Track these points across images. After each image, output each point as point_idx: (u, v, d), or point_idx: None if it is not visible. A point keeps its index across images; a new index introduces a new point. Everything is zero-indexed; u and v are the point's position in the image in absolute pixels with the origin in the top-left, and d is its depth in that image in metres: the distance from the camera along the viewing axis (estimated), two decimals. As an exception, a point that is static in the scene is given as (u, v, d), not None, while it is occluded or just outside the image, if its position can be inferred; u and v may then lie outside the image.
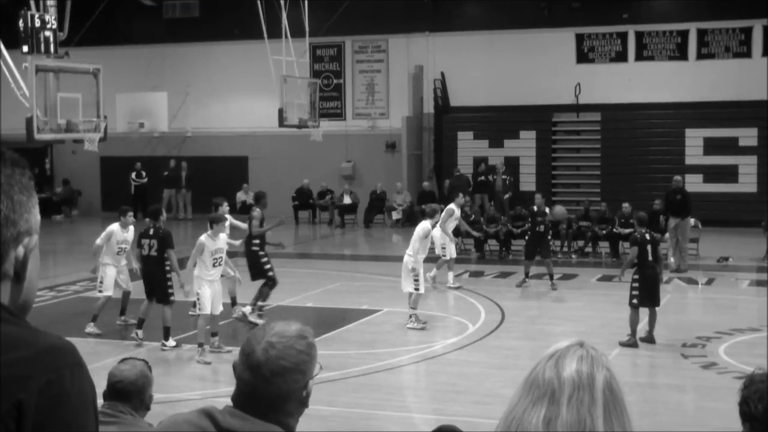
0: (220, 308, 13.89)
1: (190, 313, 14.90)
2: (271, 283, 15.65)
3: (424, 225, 15.73)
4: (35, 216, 1.90)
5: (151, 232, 14.26)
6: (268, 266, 15.65)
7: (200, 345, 13.42)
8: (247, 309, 15.42)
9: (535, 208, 19.45)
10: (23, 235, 1.85)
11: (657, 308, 14.25)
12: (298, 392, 2.67)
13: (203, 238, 13.64)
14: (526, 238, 19.95)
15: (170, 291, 14.15)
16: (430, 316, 16.15)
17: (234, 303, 15.92)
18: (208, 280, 13.57)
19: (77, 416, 1.76)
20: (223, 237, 13.88)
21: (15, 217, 1.83)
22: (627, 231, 21.50)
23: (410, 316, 15.31)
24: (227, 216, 14.65)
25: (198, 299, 13.63)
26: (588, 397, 1.84)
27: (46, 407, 1.71)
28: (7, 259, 1.83)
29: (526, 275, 19.30)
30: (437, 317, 16.39)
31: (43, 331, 1.84)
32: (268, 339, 2.67)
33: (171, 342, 14.19)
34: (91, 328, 14.79)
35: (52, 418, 1.72)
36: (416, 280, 15.32)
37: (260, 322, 14.96)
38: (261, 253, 15.72)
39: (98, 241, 15.17)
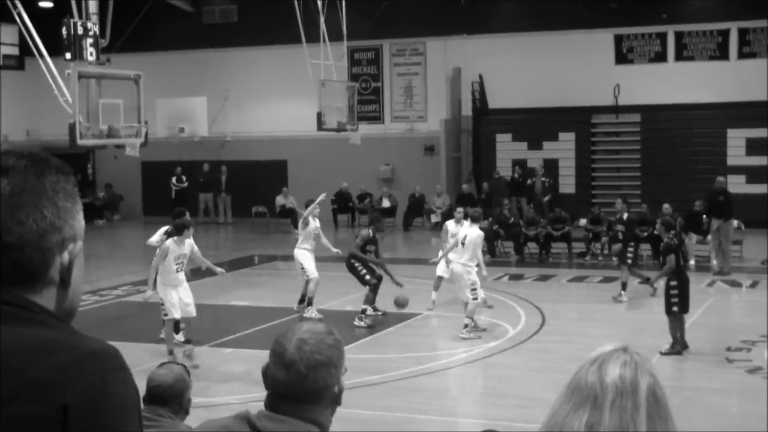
0: (193, 312, 13.62)
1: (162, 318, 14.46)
2: (371, 287, 16.10)
3: (479, 232, 15.43)
4: (80, 222, 1.92)
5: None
6: (363, 272, 16.23)
7: (170, 353, 13.23)
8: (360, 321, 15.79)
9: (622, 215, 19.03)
10: (68, 241, 1.87)
11: (686, 314, 14.01)
12: (332, 388, 2.71)
13: (169, 242, 13.62)
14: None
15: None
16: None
17: (308, 302, 16.09)
18: (173, 285, 13.51)
19: (121, 420, 1.78)
20: (188, 243, 13.83)
21: (60, 224, 1.85)
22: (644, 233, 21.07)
23: (465, 326, 15.09)
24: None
25: (164, 305, 13.58)
26: (631, 403, 1.82)
27: (91, 411, 1.73)
28: (53, 265, 1.85)
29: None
30: (477, 321, 16.32)
31: (88, 336, 1.86)
32: (300, 336, 2.70)
33: (179, 337, 14.25)
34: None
35: (96, 422, 1.74)
36: (474, 289, 15.09)
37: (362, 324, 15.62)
38: (357, 264, 16.26)
39: (154, 262, 14.10)
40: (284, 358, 2.68)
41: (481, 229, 15.74)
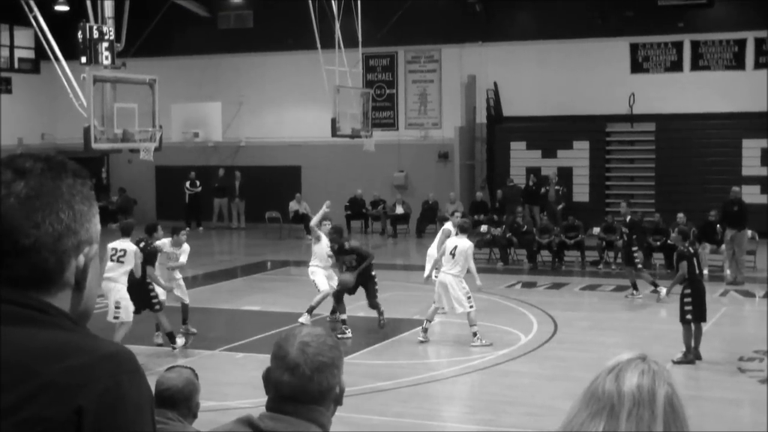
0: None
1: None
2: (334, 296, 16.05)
3: (470, 243, 15.32)
4: (95, 226, 1.92)
5: (141, 245, 14.38)
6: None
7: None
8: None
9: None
10: (84, 245, 1.88)
11: (703, 324, 13.97)
12: (334, 388, 2.76)
13: (137, 246, 14.17)
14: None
15: (154, 299, 14.30)
16: (483, 327, 16.07)
17: (309, 310, 16.05)
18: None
19: (135, 423, 1.78)
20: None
21: (76, 227, 1.86)
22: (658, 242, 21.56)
23: (474, 335, 15.03)
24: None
25: (119, 307, 13.74)
26: (648, 413, 1.81)
27: (105, 414, 1.73)
28: (68, 268, 1.86)
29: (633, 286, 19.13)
30: (489, 328, 16.28)
31: (103, 339, 1.86)
32: (301, 339, 2.75)
33: (180, 341, 14.55)
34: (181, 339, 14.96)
35: (110, 424, 1.74)
36: (469, 297, 15.06)
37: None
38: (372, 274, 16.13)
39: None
40: (288, 361, 2.72)
41: (470, 239, 15.51)
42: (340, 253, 15.85)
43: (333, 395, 2.76)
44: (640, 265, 19.29)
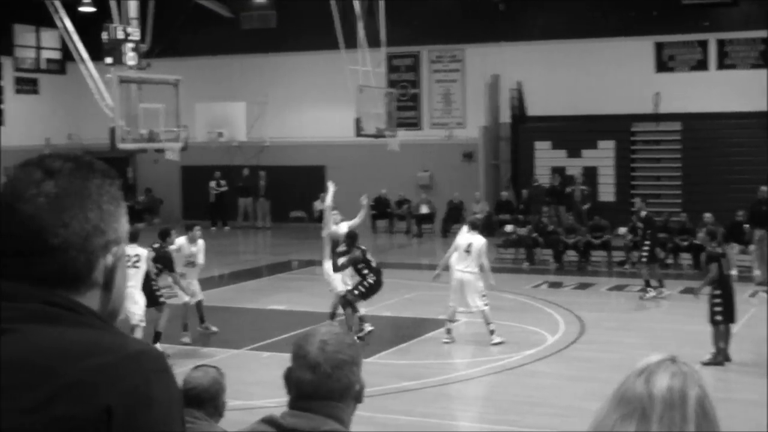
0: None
1: None
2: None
3: (484, 240, 15.34)
4: (123, 225, 1.92)
5: (155, 247, 14.56)
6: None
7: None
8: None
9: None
10: (112, 244, 1.88)
11: (732, 325, 13.86)
12: (354, 385, 2.82)
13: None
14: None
15: (159, 295, 14.45)
16: (508, 327, 16.04)
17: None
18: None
19: (164, 422, 1.78)
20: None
21: (104, 227, 1.86)
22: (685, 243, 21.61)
23: (492, 333, 15.03)
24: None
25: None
26: (679, 415, 1.80)
27: (134, 413, 1.73)
28: (97, 268, 1.86)
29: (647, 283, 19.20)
30: (515, 328, 16.25)
31: (132, 337, 1.86)
32: (321, 338, 2.82)
33: (186, 340, 15.00)
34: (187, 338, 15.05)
35: (139, 423, 1.73)
36: (484, 296, 15.08)
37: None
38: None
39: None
40: (308, 360, 2.78)
41: (483, 236, 15.58)
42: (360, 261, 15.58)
43: (353, 392, 2.82)
44: (644, 259, 19.29)
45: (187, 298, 15.05)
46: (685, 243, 22.67)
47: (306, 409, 2.77)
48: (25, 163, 1.89)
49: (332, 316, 16.00)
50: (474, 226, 15.42)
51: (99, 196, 1.86)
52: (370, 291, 15.44)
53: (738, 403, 11.88)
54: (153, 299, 14.26)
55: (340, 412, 2.79)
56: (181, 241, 15.31)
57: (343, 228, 16.07)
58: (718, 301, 13.55)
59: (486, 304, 14.96)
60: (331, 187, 16.58)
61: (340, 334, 2.88)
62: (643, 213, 19.85)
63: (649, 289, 18.95)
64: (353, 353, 2.83)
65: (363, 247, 15.72)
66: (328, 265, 16.07)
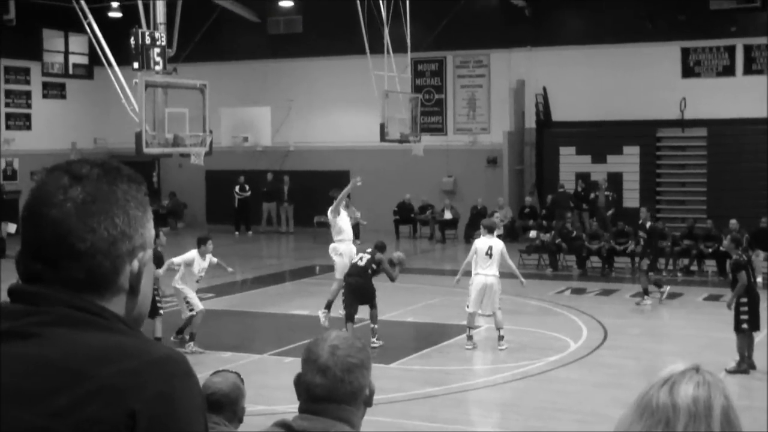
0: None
1: None
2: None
3: (502, 242, 15.43)
4: (149, 231, 1.94)
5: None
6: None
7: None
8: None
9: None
10: (138, 250, 1.90)
11: (757, 332, 13.73)
12: (364, 389, 2.85)
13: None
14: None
15: (158, 304, 14.33)
16: (531, 333, 15.99)
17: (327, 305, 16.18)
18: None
19: (188, 426, 1.79)
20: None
21: (131, 232, 1.87)
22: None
23: (502, 338, 15.09)
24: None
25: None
26: (704, 425, 1.78)
27: (159, 417, 1.74)
28: (123, 273, 1.88)
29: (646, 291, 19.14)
30: (538, 334, 16.21)
31: (156, 342, 1.88)
32: (331, 343, 2.85)
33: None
34: (194, 347, 14.90)
35: (163, 427, 1.75)
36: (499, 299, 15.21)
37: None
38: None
39: (176, 259, 14.84)
40: (319, 364, 2.82)
41: (500, 237, 15.83)
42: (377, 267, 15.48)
43: (363, 396, 2.85)
44: (645, 267, 19.29)
45: (188, 313, 14.91)
46: (710, 250, 22.52)
47: (317, 412, 2.81)
48: (52, 169, 1.91)
49: (328, 305, 16.38)
50: (490, 230, 15.43)
51: (126, 202, 1.88)
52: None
53: (763, 411, 11.78)
54: (153, 309, 13.87)
55: (350, 416, 2.82)
56: (192, 254, 14.79)
57: (344, 219, 16.81)
58: (744, 309, 13.41)
59: (499, 308, 14.99)
60: (356, 181, 16.79)
61: (350, 338, 2.92)
62: (648, 224, 19.93)
63: (646, 297, 18.89)
64: (363, 357, 2.86)
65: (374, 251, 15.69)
66: (333, 245, 16.85)
